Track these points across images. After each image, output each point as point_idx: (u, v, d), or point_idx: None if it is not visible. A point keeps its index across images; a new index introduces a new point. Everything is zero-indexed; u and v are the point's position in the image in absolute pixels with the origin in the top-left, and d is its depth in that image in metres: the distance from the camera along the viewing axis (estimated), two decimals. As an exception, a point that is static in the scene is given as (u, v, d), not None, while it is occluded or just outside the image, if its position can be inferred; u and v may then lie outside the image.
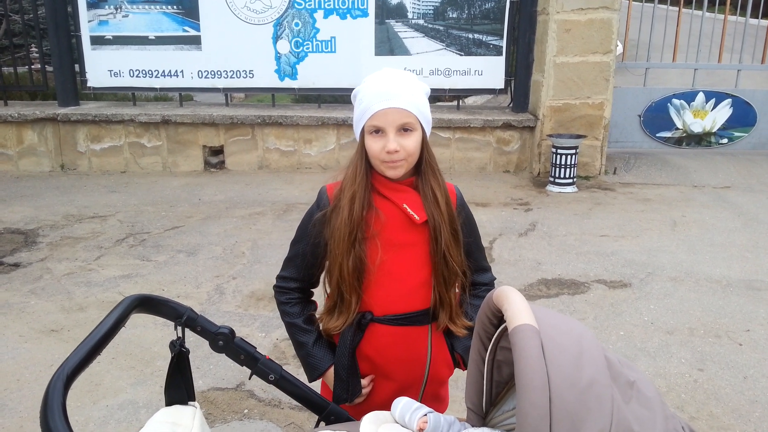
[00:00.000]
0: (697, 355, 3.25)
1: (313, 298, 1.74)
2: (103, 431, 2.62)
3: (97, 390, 2.91)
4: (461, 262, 1.60)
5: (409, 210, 1.54)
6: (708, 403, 2.84)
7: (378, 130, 1.49)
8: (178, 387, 1.37)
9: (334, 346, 1.65)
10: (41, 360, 3.18)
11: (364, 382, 1.63)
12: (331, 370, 1.62)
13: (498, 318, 1.29)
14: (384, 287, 1.57)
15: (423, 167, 1.57)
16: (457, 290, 1.66)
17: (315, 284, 1.71)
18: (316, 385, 1.72)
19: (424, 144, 1.55)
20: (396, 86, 1.48)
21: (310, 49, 7.23)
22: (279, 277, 1.69)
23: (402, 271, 1.57)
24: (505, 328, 1.28)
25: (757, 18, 7.67)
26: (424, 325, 1.62)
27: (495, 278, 1.76)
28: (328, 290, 1.64)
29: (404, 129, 1.49)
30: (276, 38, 7.20)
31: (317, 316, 1.71)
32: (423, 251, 1.58)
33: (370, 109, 1.47)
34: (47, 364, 3.14)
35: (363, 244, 1.54)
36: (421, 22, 7.19)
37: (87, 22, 7.22)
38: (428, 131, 1.56)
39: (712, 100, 7.28)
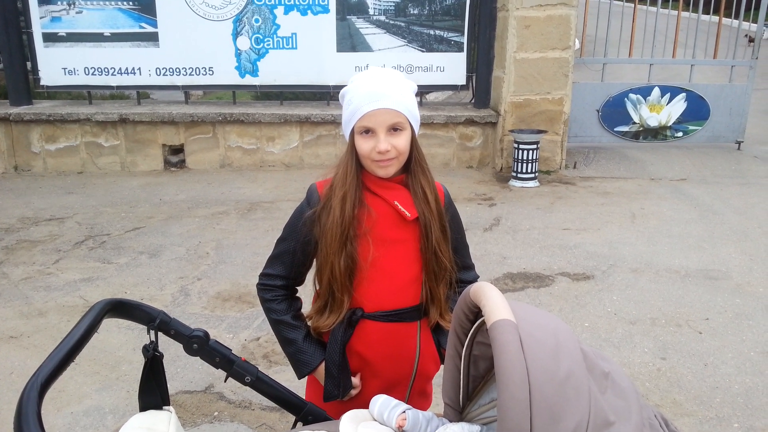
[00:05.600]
0: (659, 344, 3.33)
1: (297, 295, 1.73)
2: (69, 439, 2.56)
3: (60, 397, 2.84)
4: (450, 258, 1.62)
5: (400, 207, 1.56)
6: (671, 391, 2.91)
7: (368, 131, 1.50)
8: (152, 392, 1.34)
9: (322, 342, 1.65)
10: (0, 367, 3.09)
11: (355, 380, 1.63)
12: (322, 366, 1.62)
13: (474, 313, 1.30)
14: (375, 283, 1.58)
15: (412, 165, 1.59)
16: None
17: (301, 282, 1.71)
18: (295, 385, 1.71)
19: (414, 142, 1.57)
20: (385, 86, 1.49)
21: (271, 46, 7.16)
22: (264, 275, 1.67)
23: (393, 267, 1.58)
24: (482, 324, 1.30)
25: (708, 14, 7.88)
26: (414, 321, 1.64)
27: (479, 277, 1.78)
28: (318, 288, 1.64)
29: (394, 129, 1.50)
30: (236, 34, 7.11)
31: (305, 315, 1.70)
32: (413, 247, 1.59)
33: (360, 110, 1.48)
34: (7, 372, 3.05)
35: (355, 243, 1.54)
36: (382, 18, 7.19)
37: (39, 18, 7.00)
38: (417, 129, 1.57)
39: (668, 95, 7.46)
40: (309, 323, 1.68)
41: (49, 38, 7.07)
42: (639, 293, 3.96)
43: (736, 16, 7.62)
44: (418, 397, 1.70)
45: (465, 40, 7.23)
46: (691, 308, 3.76)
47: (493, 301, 1.15)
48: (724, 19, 7.57)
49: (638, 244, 4.81)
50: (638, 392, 1.21)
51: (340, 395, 1.60)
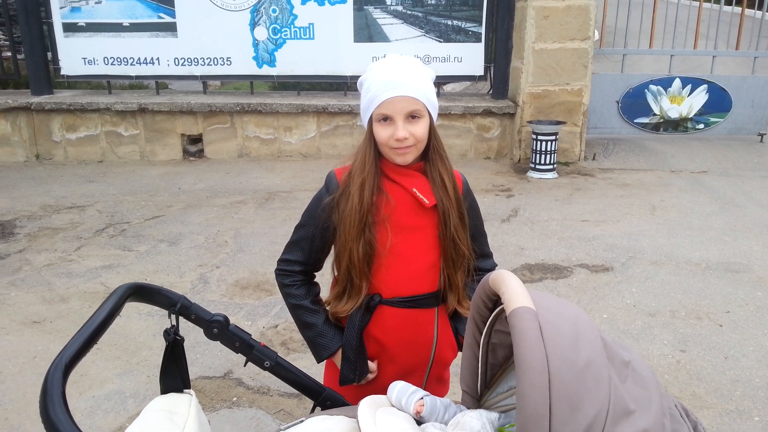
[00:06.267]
0: (679, 336, 3.31)
1: (315, 281, 1.74)
2: (91, 421, 2.60)
3: (82, 381, 2.89)
4: (468, 245, 1.63)
5: (418, 194, 1.56)
6: (691, 383, 2.89)
7: (386, 118, 1.50)
8: (173, 375, 1.36)
9: (341, 327, 1.66)
10: (24, 352, 3.14)
11: (372, 365, 1.64)
12: (341, 350, 1.63)
13: (493, 301, 1.29)
14: (393, 270, 1.58)
15: (431, 153, 1.59)
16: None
17: (319, 268, 1.72)
18: (313, 372, 1.72)
19: (432, 130, 1.57)
20: (403, 74, 1.49)
21: (288, 36, 7.16)
22: (282, 261, 1.68)
23: (411, 254, 1.59)
24: (500, 312, 1.29)
25: (730, 5, 7.75)
26: (431, 307, 1.64)
27: (497, 265, 1.78)
28: (336, 274, 1.65)
29: (412, 116, 1.50)
30: (253, 25, 7.12)
31: (324, 300, 1.71)
32: (432, 234, 1.60)
33: (378, 97, 1.48)
34: (30, 356, 3.10)
35: (373, 230, 1.55)
36: (399, 8, 7.16)
37: (59, 9, 7.07)
38: (435, 117, 1.57)
39: (689, 86, 7.36)
40: (327, 308, 1.69)
41: (69, 28, 7.13)
42: (659, 285, 3.93)
43: (759, 7, 7.50)
44: (435, 384, 1.70)
45: (483, 30, 7.18)
46: (711, 301, 3.72)
47: (513, 289, 1.14)
48: (746, 9, 7.44)
49: (658, 237, 4.77)
50: (659, 382, 1.20)
51: (356, 379, 1.61)
